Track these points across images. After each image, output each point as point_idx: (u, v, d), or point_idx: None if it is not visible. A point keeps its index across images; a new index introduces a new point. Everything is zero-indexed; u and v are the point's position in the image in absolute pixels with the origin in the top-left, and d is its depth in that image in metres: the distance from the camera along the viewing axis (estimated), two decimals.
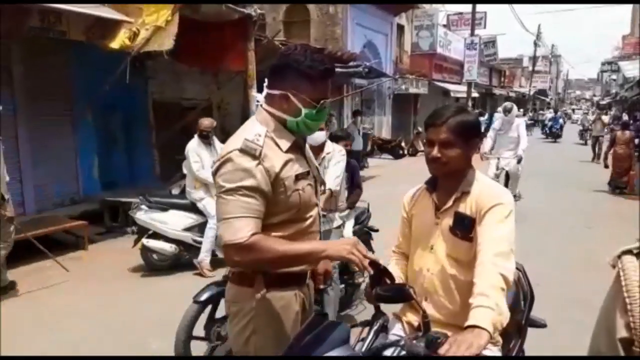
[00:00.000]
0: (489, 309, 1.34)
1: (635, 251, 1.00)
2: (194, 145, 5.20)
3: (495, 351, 1.64)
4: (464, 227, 1.64)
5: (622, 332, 0.98)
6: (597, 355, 1.06)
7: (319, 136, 3.38)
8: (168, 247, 5.06)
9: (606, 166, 10.79)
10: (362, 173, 11.87)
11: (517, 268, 1.87)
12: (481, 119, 17.18)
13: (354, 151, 11.47)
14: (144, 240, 5.03)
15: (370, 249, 4.22)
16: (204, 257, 5.03)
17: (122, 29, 5.57)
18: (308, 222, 1.69)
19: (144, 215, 5.10)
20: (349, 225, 3.92)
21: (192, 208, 5.24)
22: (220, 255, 4.89)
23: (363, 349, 1.60)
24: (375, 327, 1.69)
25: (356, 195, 4.12)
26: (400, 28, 18.55)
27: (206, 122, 5.30)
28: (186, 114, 8.60)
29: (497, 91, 31.52)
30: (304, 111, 1.58)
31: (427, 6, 19.82)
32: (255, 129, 1.59)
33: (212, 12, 6.53)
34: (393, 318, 1.86)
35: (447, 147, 1.64)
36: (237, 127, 1.68)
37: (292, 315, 1.69)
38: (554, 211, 8.16)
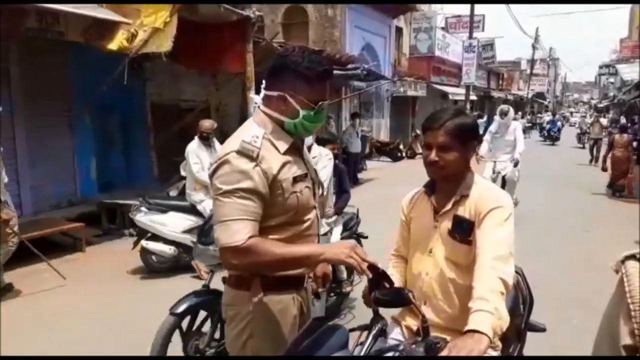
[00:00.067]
0: (489, 314, 1.33)
1: (638, 256, 0.99)
2: (194, 147, 5.18)
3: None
4: (463, 231, 1.63)
5: (626, 340, 0.96)
6: None
7: (305, 139, 3.33)
8: (167, 249, 5.05)
9: (604, 169, 10.80)
10: (360, 175, 12.04)
11: (516, 271, 1.85)
12: (480, 121, 17.21)
13: (352, 153, 11.51)
14: (144, 242, 5.03)
15: None
16: None
17: (120, 30, 5.58)
18: (306, 224, 1.67)
19: (143, 217, 5.10)
20: (337, 232, 3.78)
21: (192, 210, 5.24)
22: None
23: (362, 354, 1.58)
24: (373, 332, 1.66)
25: (344, 200, 3.95)
26: (399, 31, 18.57)
27: (207, 123, 5.29)
28: (184, 116, 8.60)
29: (495, 94, 31.59)
30: (301, 113, 1.57)
31: (425, 9, 19.84)
32: (253, 130, 1.57)
33: (211, 14, 6.54)
34: (392, 322, 1.84)
35: (445, 150, 1.64)
36: (235, 129, 1.67)
37: (290, 319, 1.67)
38: (553, 212, 8.17)
